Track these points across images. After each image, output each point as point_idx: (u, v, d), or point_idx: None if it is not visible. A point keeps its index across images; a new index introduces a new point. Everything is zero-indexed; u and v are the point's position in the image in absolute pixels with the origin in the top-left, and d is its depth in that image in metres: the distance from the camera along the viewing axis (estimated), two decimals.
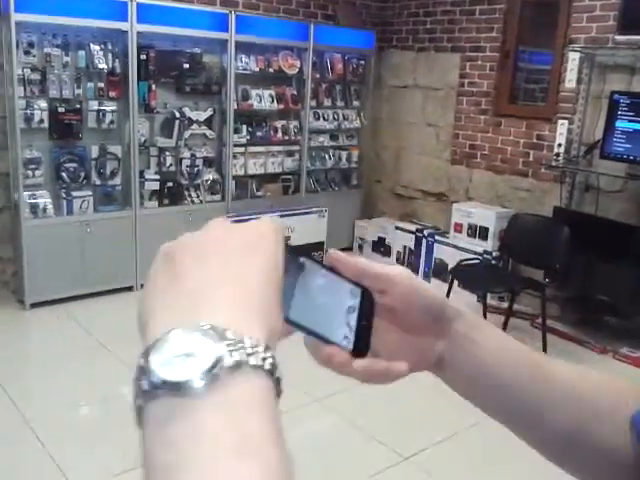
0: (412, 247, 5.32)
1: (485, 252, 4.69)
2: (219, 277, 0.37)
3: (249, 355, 0.32)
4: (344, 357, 0.46)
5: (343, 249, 5.83)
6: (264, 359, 0.33)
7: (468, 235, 4.85)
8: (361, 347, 0.47)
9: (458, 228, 4.92)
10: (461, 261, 4.39)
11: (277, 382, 0.33)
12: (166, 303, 0.37)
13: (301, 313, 0.45)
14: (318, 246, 5.39)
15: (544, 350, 4.01)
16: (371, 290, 0.49)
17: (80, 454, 2.76)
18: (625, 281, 4.00)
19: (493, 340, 0.54)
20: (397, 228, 5.45)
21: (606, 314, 4.29)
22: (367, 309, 0.49)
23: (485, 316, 4.40)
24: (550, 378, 0.55)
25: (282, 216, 5.12)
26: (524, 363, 0.55)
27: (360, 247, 5.81)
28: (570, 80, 4.40)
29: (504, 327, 3.87)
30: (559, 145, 4.42)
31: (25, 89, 4.07)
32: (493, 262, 4.62)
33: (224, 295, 0.36)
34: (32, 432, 2.85)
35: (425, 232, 5.23)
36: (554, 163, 4.41)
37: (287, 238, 0.47)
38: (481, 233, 4.76)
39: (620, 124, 4.02)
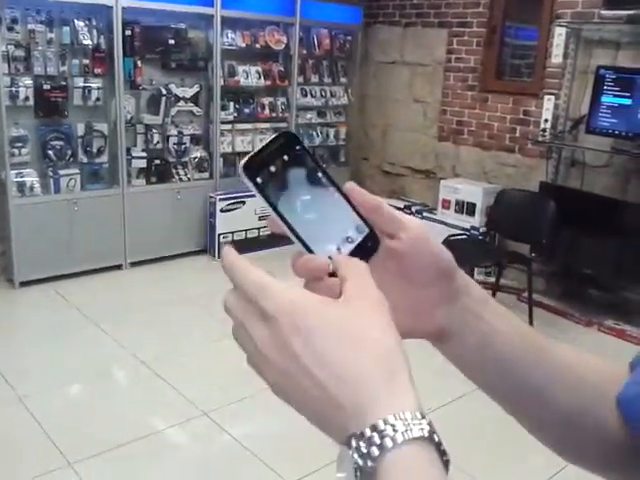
0: None
1: (472, 228, 4.73)
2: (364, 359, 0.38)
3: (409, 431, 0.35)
4: (321, 268, 0.44)
5: None
6: (421, 429, 0.36)
7: (455, 211, 4.88)
8: None
9: (446, 204, 4.95)
10: (449, 236, 4.43)
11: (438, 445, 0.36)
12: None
13: (291, 212, 0.44)
14: None
15: (530, 323, 4.07)
16: (380, 232, 0.47)
17: (74, 429, 2.79)
18: (609, 255, 4.05)
19: (499, 317, 0.52)
20: None
21: (591, 287, 4.36)
22: (366, 250, 0.46)
23: None
24: (553, 359, 0.54)
25: None
26: (529, 343, 0.53)
27: None
28: (556, 55, 4.41)
29: None
30: (545, 120, 4.45)
31: (9, 66, 4.02)
32: (480, 237, 4.67)
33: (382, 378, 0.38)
34: (26, 409, 2.87)
35: (413, 209, 5.26)
36: (540, 138, 4.44)
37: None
38: (468, 209, 4.80)
39: (606, 99, 4.05)
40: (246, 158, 0.44)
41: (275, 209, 0.44)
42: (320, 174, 0.46)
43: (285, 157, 0.45)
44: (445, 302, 0.50)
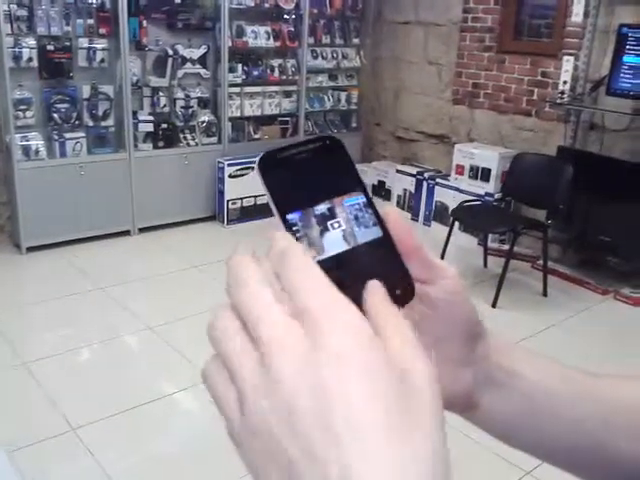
0: (412, 190, 5.24)
1: (487, 194, 4.61)
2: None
3: None
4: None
5: None
6: None
7: (470, 177, 4.76)
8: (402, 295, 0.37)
9: (460, 170, 4.83)
10: (463, 202, 4.32)
11: None
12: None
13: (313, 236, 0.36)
14: None
15: (544, 292, 3.98)
16: (414, 277, 0.37)
17: (79, 395, 2.76)
18: (628, 222, 3.94)
19: (536, 369, 0.45)
20: (397, 171, 5.36)
21: (608, 255, 4.25)
22: (397, 300, 0.36)
23: (486, 259, 4.36)
24: (613, 405, 0.46)
25: None
26: (581, 394, 0.46)
27: None
28: (577, 14, 4.23)
29: (504, 269, 3.83)
30: (564, 82, 4.29)
31: (12, 26, 3.93)
32: (495, 203, 4.56)
33: None
34: (31, 375, 2.85)
35: (426, 175, 5.14)
36: (559, 101, 4.28)
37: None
38: (483, 175, 4.68)
39: (628, 59, 3.89)
40: (269, 151, 0.36)
41: (287, 226, 0.35)
42: (362, 197, 0.37)
43: (320, 164, 0.37)
44: (470, 363, 0.44)
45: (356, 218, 0.36)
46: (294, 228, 0.35)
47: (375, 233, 0.36)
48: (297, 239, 0.35)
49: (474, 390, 0.44)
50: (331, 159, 0.37)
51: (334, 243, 0.35)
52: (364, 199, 0.37)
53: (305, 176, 0.36)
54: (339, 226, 0.36)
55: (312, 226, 0.35)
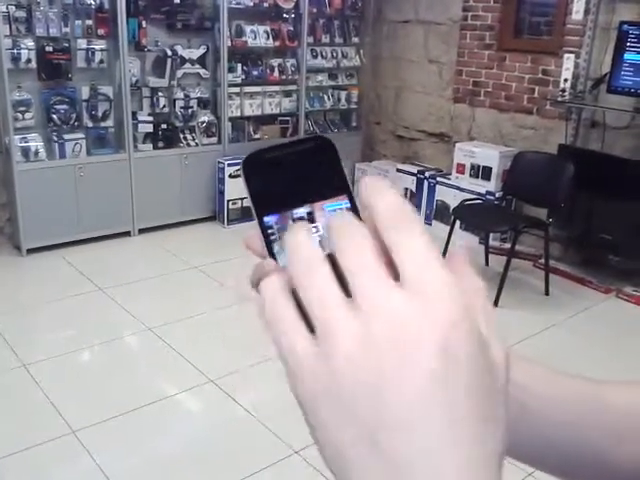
0: (413, 189, 5.23)
1: (488, 193, 4.60)
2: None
3: None
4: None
5: None
6: None
7: (470, 176, 4.75)
8: None
9: (460, 169, 4.81)
10: (464, 201, 4.30)
11: None
12: None
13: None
14: None
15: (546, 291, 3.97)
16: None
17: (79, 397, 2.75)
18: (630, 220, 3.92)
19: (526, 374, 0.43)
20: (398, 170, 5.35)
21: (610, 253, 4.23)
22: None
23: (487, 258, 4.34)
24: (612, 415, 0.44)
25: None
26: (577, 400, 0.44)
27: None
28: (577, 11, 4.21)
29: (506, 268, 3.81)
30: (565, 80, 4.27)
31: (10, 27, 3.92)
32: (496, 202, 4.54)
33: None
34: (31, 377, 2.84)
35: (427, 174, 5.13)
36: (560, 99, 4.27)
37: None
38: (484, 173, 4.66)
39: (629, 56, 3.87)
40: (254, 152, 0.34)
41: (263, 228, 0.34)
42: (346, 203, 0.35)
43: (307, 166, 0.35)
44: None
45: None
46: (269, 231, 0.34)
47: None
48: (270, 242, 0.34)
49: None
50: (319, 161, 0.35)
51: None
52: (348, 204, 0.35)
53: (289, 178, 0.35)
54: (316, 231, 0.34)
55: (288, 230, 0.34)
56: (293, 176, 0.35)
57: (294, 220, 0.34)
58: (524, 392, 0.42)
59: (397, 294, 0.26)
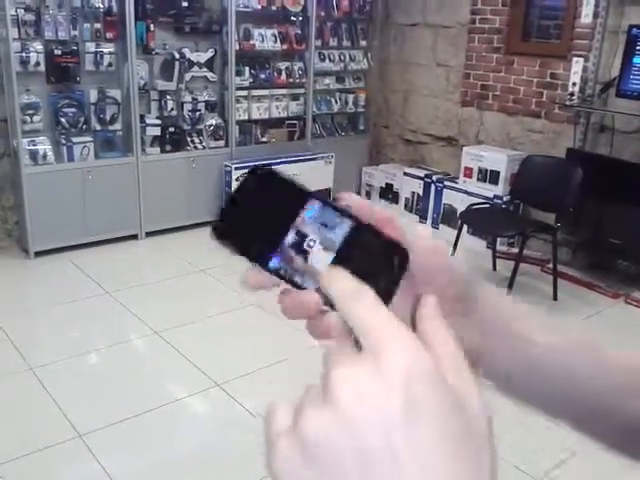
0: (420, 193, 5.21)
1: (495, 197, 4.58)
2: None
3: None
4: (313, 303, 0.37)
5: None
6: None
7: (478, 180, 4.73)
8: None
9: (468, 173, 4.80)
10: (471, 205, 4.29)
11: None
12: None
13: (266, 248, 0.37)
14: (324, 193, 5.30)
15: (554, 296, 3.95)
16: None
17: (85, 400, 2.75)
18: (637, 224, 3.89)
19: (537, 326, 0.45)
20: (405, 174, 5.33)
21: (618, 258, 4.21)
22: (391, 268, 0.37)
23: (495, 262, 4.32)
24: (614, 359, 0.47)
25: (287, 162, 5.01)
26: (581, 349, 0.47)
27: (367, 194, 5.70)
28: (586, 15, 4.19)
29: (514, 273, 3.80)
30: (573, 84, 4.25)
31: (19, 31, 3.93)
32: (504, 206, 4.52)
33: None
34: (38, 380, 2.84)
35: (434, 177, 5.11)
36: (568, 103, 4.25)
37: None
38: (492, 177, 4.64)
39: (638, 60, 3.85)
40: (216, 219, 0.37)
41: (274, 272, 0.37)
42: (317, 203, 0.37)
43: (264, 198, 0.37)
44: (474, 323, 0.44)
45: (323, 224, 0.36)
46: (281, 272, 0.36)
47: (347, 225, 0.36)
48: (290, 279, 0.36)
49: (477, 350, 0.44)
50: (270, 188, 0.37)
51: (321, 259, 0.36)
52: (319, 203, 0.36)
53: (258, 218, 0.37)
54: (315, 241, 0.36)
55: (294, 258, 0.36)
56: (260, 215, 0.36)
57: (292, 247, 0.36)
58: (530, 344, 0.44)
59: (353, 362, 0.29)
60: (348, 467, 0.27)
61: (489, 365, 0.44)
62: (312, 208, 0.36)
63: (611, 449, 0.48)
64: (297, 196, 0.37)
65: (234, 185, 4.75)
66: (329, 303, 0.34)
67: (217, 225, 0.37)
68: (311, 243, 0.36)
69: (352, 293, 0.32)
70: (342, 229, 0.36)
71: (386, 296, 0.35)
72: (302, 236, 0.36)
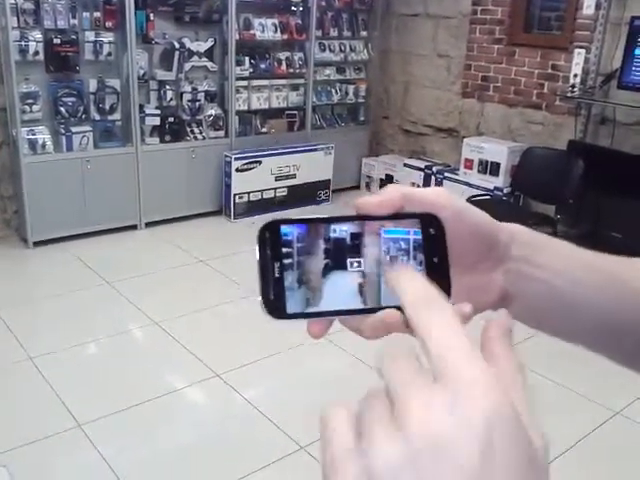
0: (421, 184, 5.20)
1: (496, 188, 4.57)
2: None
3: None
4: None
5: (349, 187, 5.68)
6: None
7: (479, 171, 4.72)
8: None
9: (468, 164, 4.79)
10: (471, 197, 4.28)
11: None
12: None
13: (314, 296, 0.37)
14: (324, 184, 5.28)
15: None
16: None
17: (85, 390, 2.75)
18: (638, 217, 3.89)
19: (562, 259, 0.46)
20: (405, 165, 5.32)
21: (618, 252, 4.19)
22: (435, 241, 0.38)
23: None
24: (628, 284, 0.47)
25: (287, 153, 5.00)
26: (605, 279, 0.47)
27: (367, 185, 5.69)
28: (588, 6, 4.18)
29: None
30: (575, 75, 4.24)
31: (18, 19, 3.90)
32: (504, 198, 4.51)
33: None
34: (37, 370, 2.84)
35: (434, 169, 5.10)
36: (569, 94, 4.24)
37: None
38: (492, 169, 4.63)
39: None
40: (262, 298, 0.37)
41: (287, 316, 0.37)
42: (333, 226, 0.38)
43: (285, 250, 0.37)
44: (498, 266, 0.44)
45: (352, 242, 0.38)
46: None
47: (376, 230, 0.38)
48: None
49: (504, 287, 0.44)
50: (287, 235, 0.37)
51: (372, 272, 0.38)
52: (334, 225, 0.38)
53: (294, 270, 0.37)
54: (357, 266, 0.38)
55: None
56: (295, 267, 0.37)
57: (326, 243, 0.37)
58: (547, 271, 0.45)
59: (432, 395, 0.27)
60: None
61: (516, 304, 0.45)
62: (333, 232, 0.37)
63: (622, 364, 0.50)
64: (313, 230, 0.37)
65: (234, 176, 4.74)
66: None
67: (265, 302, 0.37)
68: (355, 264, 0.37)
69: (425, 300, 0.31)
70: (372, 237, 0.37)
71: (444, 271, 0.36)
72: (340, 264, 0.37)
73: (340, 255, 0.37)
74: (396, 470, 0.26)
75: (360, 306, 0.37)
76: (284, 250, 0.36)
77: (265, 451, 2.43)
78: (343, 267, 0.37)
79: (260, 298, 0.36)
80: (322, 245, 0.37)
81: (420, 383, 0.28)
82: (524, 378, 0.30)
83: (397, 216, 0.38)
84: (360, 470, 0.27)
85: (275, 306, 0.36)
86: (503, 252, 0.44)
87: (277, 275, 0.36)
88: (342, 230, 0.37)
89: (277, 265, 0.36)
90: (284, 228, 0.37)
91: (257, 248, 0.36)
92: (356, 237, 0.37)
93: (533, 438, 0.27)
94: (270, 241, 0.36)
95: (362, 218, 0.38)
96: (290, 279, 0.36)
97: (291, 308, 0.36)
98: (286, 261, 0.36)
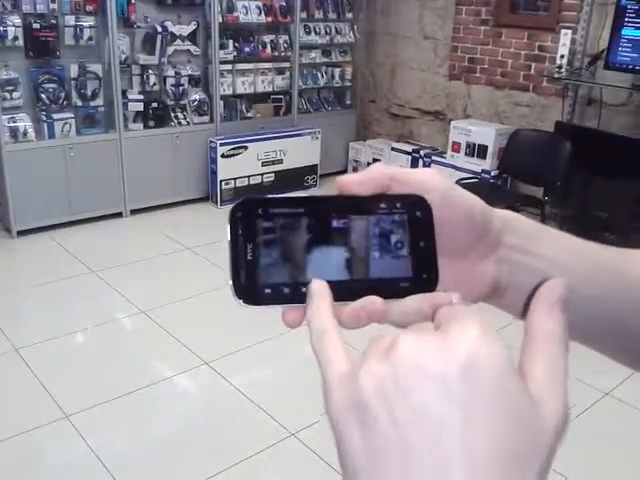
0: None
1: (484, 171, 4.56)
2: None
3: None
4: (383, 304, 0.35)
5: (337, 172, 5.65)
6: None
7: (466, 154, 4.70)
8: (425, 282, 0.36)
9: (456, 147, 4.76)
10: (459, 180, 4.26)
11: None
12: None
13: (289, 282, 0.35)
14: (311, 169, 5.24)
15: None
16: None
17: (71, 381, 2.72)
18: (626, 198, 3.89)
19: (558, 249, 0.44)
20: (393, 149, 5.30)
21: (605, 231, 4.21)
22: (422, 225, 0.36)
23: None
24: (630, 279, 0.45)
25: (273, 138, 4.95)
26: (600, 270, 0.45)
27: (355, 169, 5.66)
28: None
29: None
30: (561, 56, 4.21)
31: None
32: (492, 181, 4.50)
33: None
34: (23, 361, 2.81)
35: (422, 152, 5.08)
36: (556, 75, 4.21)
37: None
38: (480, 152, 4.61)
39: (627, 32, 3.81)
40: (231, 281, 0.35)
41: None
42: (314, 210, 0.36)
43: (258, 231, 0.35)
44: (490, 254, 0.41)
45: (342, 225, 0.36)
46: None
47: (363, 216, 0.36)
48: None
49: (498, 279, 0.42)
50: (268, 215, 0.36)
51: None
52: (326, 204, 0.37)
53: (275, 254, 0.35)
54: (348, 249, 0.36)
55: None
56: (276, 250, 0.35)
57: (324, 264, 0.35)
58: (542, 261, 0.42)
59: (422, 333, 0.30)
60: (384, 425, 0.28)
61: (509, 295, 0.43)
62: (310, 214, 0.35)
63: (624, 364, 0.48)
64: (288, 211, 0.35)
65: (220, 162, 4.69)
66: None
67: (236, 286, 0.34)
68: (332, 249, 0.35)
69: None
70: (352, 219, 0.36)
71: (431, 256, 0.35)
72: (315, 247, 0.35)
73: (317, 238, 0.34)
74: (379, 379, 0.28)
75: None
76: (257, 231, 0.34)
77: (255, 438, 2.41)
78: (319, 251, 0.34)
79: (230, 282, 0.34)
80: (298, 227, 0.34)
81: (417, 329, 0.31)
82: (564, 349, 0.31)
83: (381, 197, 0.36)
84: (347, 389, 0.29)
85: (247, 291, 0.34)
86: (495, 239, 0.41)
87: (249, 258, 0.34)
88: (320, 212, 0.34)
89: (250, 247, 0.34)
90: (258, 208, 0.34)
91: (228, 229, 0.34)
92: (335, 219, 0.35)
93: (541, 406, 0.28)
94: (242, 222, 0.34)
95: (343, 198, 0.35)
96: (263, 262, 0.34)
97: (264, 293, 0.34)
98: (260, 243, 0.34)
